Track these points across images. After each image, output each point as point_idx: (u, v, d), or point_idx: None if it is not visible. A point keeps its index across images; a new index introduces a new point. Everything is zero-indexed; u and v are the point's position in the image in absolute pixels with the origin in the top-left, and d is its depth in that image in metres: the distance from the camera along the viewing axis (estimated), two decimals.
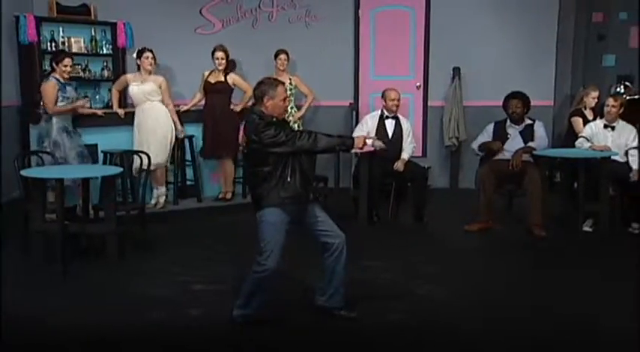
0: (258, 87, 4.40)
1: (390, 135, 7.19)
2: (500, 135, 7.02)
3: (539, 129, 7.02)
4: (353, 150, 4.55)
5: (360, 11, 9.06)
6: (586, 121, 7.43)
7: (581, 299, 5.02)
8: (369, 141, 4.63)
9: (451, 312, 4.76)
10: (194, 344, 4.29)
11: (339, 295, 4.53)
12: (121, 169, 6.11)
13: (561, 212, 7.13)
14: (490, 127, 7.13)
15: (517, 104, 6.98)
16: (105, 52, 8.65)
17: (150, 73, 7.40)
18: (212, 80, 7.75)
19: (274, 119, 4.32)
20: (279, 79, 7.48)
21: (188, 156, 7.91)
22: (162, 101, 7.46)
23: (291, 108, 8.12)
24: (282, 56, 8.14)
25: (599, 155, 6.69)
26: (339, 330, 4.44)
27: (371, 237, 6.78)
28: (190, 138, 7.87)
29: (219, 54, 7.67)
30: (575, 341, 4.31)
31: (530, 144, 6.90)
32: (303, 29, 9.00)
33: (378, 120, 7.27)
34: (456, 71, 8.89)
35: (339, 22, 9.04)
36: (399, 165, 7.11)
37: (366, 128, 7.12)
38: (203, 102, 7.91)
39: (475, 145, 7.18)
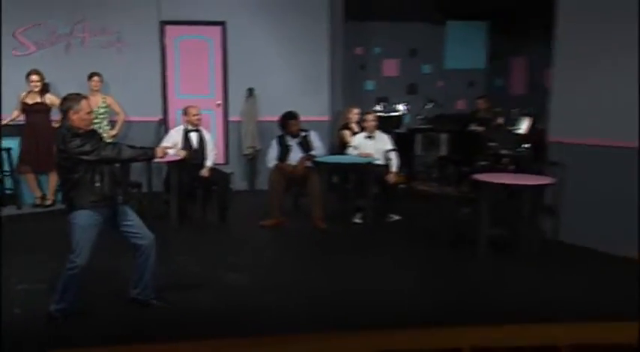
0: (63, 102, 4.21)
1: (194, 145, 7.13)
2: (283, 147, 7.17)
3: (315, 139, 7.26)
4: (156, 159, 4.47)
5: (165, 39, 8.86)
6: (353, 133, 7.88)
7: (356, 275, 5.34)
8: (170, 151, 4.57)
9: (252, 296, 4.83)
10: (13, 340, 3.96)
11: (150, 287, 4.45)
12: None
13: (338, 208, 7.45)
14: (274, 142, 7.25)
15: (295, 123, 7.17)
16: None
17: None
18: (29, 101, 7.25)
19: (81, 131, 4.14)
20: (93, 98, 7.23)
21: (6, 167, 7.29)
22: None
23: (106, 125, 7.83)
24: (95, 78, 7.80)
25: (364, 161, 7.12)
26: (154, 318, 4.34)
27: (181, 235, 6.68)
28: (8, 150, 7.26)
29: (34, 77, 7.23)
30: (356, 315, 4.54)
31: (311, 152, 7.16)
32: (114, 54, 8.61)
33: (182, 133, 7.17)
34: (251, 91, 9.01)
35: (147, 47, 8.76)
36: (204, 172, 7.06)
37: (172, 140, 6.97)
38: (21, 118, 7.34)
39: (271, 163, 7.18)
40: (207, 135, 7.31)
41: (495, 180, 5.78)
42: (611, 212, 5.76)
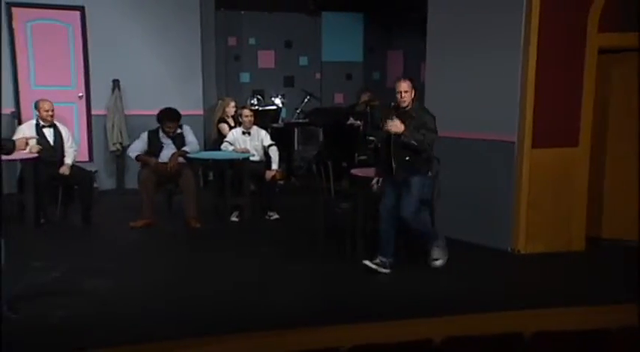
0: None
1: (51, 142, 6.68)
2: (155, 143, 6.94)
3: (189, 135, 7.08)
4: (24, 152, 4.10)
5: (13, 23, 8.18)
6: (230, 127, 7.75)
7: (232, 274, 5.26)
8: (31, 142, 4.23)
9: (115, 303, 4.59)
10: None
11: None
12: None
13: (214, 205, 7.31)
14: (145, 135, 7.00)
15: (173, 126, 6.91)
16: None
17: None
18: None
19: None
20: None
21: None
22: None
23: None
24: None
25: (240, 156, 7.02)
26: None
27: (39, 238, 6.27)
28: None
29: None
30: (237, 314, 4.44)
31: (184, 148, 6.95)
32: None
33: (34, 128, 6.69)
34: (116, 83, 8.59)
35: None
36: (63, 170, 6.66)
37: (22, 136, 6.48)
38: None
39: (132, 153, 6.97)
40: (64, 131, 6.89)
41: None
42: (485, 205, 6.05)
